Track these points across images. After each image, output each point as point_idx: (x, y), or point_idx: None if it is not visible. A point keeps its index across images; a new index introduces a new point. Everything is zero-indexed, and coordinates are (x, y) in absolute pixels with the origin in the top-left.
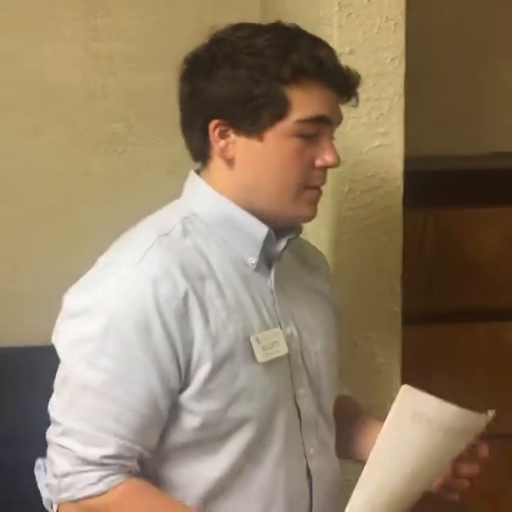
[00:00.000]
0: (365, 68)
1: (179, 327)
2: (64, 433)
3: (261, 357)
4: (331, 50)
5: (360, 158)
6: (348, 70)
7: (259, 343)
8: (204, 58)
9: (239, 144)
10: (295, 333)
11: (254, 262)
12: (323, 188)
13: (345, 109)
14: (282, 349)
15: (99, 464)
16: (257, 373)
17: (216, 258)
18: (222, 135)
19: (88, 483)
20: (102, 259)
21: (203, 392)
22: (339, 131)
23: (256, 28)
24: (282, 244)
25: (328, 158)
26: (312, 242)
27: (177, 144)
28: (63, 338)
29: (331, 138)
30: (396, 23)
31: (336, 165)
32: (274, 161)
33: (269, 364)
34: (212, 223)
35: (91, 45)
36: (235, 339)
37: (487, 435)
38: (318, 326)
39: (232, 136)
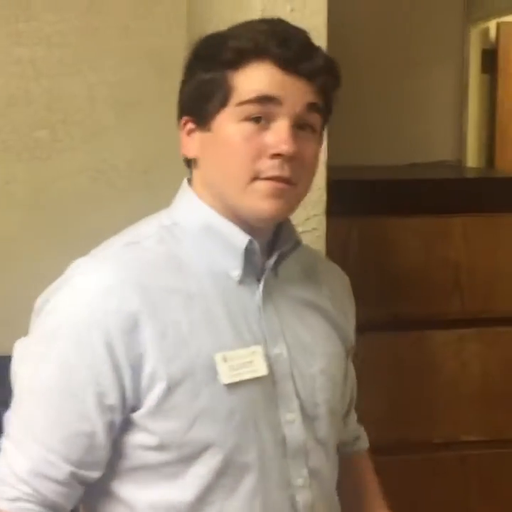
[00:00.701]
0: None
1: (125, 341)
2: (6, 436)
3: (225, 377)
4: (278, 25)
5: None
6: (305, 44)
7: (225, 361)
8: (187, 57)
9: (198, 140)
10: (285, 354)
11: (237, 274)
12: None
13: None
14: (259, 370)
15: (21, 478)
16: (221, 394)
17: (192, 269)
18: (190, 134)
19: (5, 497)
20: (74, 262)
21: (160, 411)
22: None
23: (243, 23)
24: (274, 257)
25: (279, 144)
26: None
27: (102, 151)
28: (19, 341)
29: (291, 124)
30: (318, 33)
31: (289, 153)
32: (221, 150)
33: (239, 385)
34: (195, 232)
35: (13, 50)
36: (197, 356)
37: (407, 443)
38: (318, 348)
39: (197, 133)
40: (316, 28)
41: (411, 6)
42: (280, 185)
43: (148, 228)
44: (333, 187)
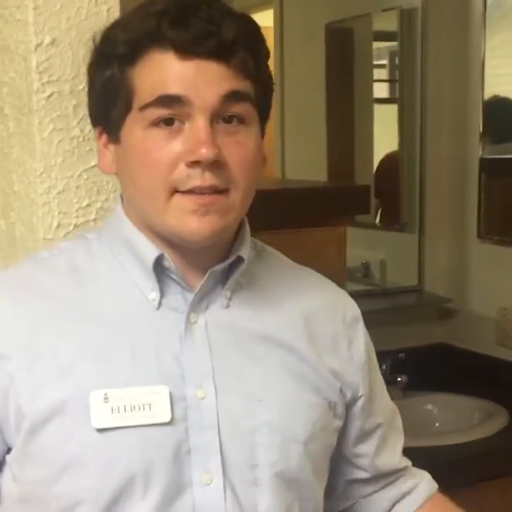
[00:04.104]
0: (72, 64)
1: None
2: None
3: (100, 421)
4: (178, 5)
5: (72, 184)
6: (211, 16)
7: (106, 401)
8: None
9: (112, 154)
10: (210, 398)
11: (154, 297)
12: None
13: (40, 119)
14: (158, 415)
15: None
16: (94, 441)
17: (100, 291)
18: (106, 146)
19: None
20: None
21: (25, 456)
22: (36, 148)
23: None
24: (205, 278)
25: (196, 149)
26: None
27: None
28: None
29: (208, 122)
30: (109, 8)
31: (208, 158)
32: (131, 163)
33: (123, 431)
34: (114, 248)
35: None
36: (73, 393)
37: None
38: (270, 393)
39: (111, 145)
40: (107, 2)
41: None
42: (205, 199)
43: (64, 244)
44: None
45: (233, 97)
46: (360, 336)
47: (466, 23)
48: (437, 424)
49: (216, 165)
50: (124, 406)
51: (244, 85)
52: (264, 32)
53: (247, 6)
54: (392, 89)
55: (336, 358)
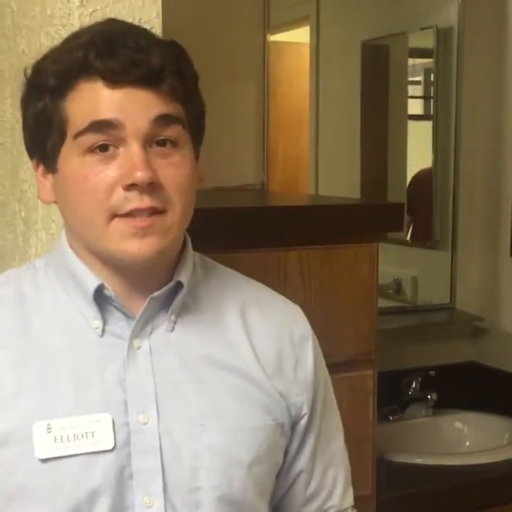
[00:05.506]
0: None
1: None
2: None
3: (43, 451)
4: (102, 31)
5: None
6: (138, 45)
7: (49, 431)
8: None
9: (50, 183)
10: (152, 422)
11: (97, 326)
12: None
13: None
14: (101, 443)
15: None
16: (39, 471)
17: (42, 321)
18: (44, 176)
19: None
20: None
21: None
22: None
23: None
24: (145, 304)
25: (131, 172)
26: None
27: None
28: None
29: (141, 145)
30: (151, 28)
31: (143, 180)
32: (69, 191)
33: (67, 460)
34: (59, 277)
35: None
36: (16, 424)
37: None
38: (215, 418)
39: (49, 175)
40: (150, 21)
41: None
42: (144, 222)
43: (12, 272)
44: None
45: (163, 120)
46: (308, 356)
47: (502, 41)
48: (467, 443)
49: (152, 187)
50: (67, 435)
51: (173, 109)
52: (301, 48)
53: (284, 22)
54: (426, 106)
55: (280, 378)
